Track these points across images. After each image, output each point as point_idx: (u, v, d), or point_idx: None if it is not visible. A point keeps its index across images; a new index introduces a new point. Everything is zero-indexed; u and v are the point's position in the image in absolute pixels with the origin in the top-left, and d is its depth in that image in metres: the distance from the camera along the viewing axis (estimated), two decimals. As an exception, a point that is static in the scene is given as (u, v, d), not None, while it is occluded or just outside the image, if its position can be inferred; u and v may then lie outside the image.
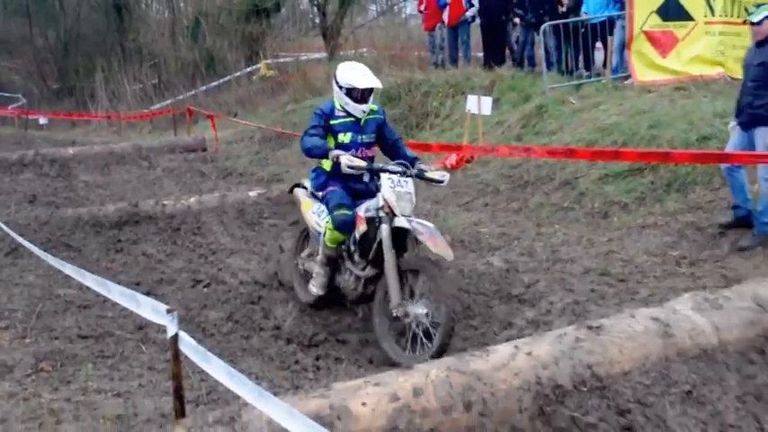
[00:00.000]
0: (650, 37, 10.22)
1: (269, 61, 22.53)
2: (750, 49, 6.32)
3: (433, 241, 4.47)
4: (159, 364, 4.42)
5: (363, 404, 2.98)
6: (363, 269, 4.89)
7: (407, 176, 4.74)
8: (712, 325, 3.66)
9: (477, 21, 13.62)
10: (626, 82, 10.55)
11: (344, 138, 5.04)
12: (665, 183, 7.27)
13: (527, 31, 12.68)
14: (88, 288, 4.29)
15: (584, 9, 11.17)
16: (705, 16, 10.24)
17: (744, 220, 6.10)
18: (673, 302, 3.95)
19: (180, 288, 6.23)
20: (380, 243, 4.66)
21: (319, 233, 5.10)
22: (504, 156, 8.79)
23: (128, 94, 23.09)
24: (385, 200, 4.62)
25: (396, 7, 29.63)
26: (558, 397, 3.23)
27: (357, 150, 5.07)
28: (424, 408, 3.05)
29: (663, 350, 3.51)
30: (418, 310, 4.48)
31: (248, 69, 22.70)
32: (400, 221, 4.58)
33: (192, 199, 8.65)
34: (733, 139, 6.26)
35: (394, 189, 4.63)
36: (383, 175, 4.69)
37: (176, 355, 2.87)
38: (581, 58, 11.40)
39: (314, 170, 5.36)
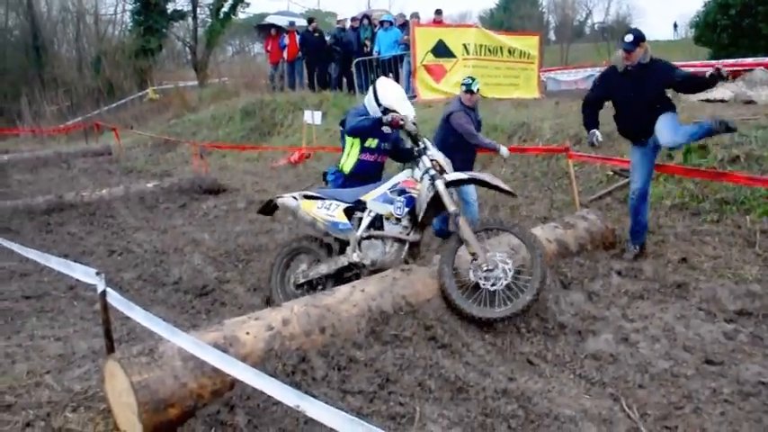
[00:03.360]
0: (428, 69, 13.02)
1: (155, 87, 26.66)
2: None
3: (498, 180, 4.44)
4: (88, 315, 4.96)
5: (247, 333, 3.43)
6: (409, 233, 4.55)
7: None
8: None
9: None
10: (413, 100, 12.71)
11: (371, 142, 4.93)
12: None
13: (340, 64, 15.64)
14: (27, 260, 4.66)
15: (375, 48, 14.21)
16: (462, 55, 13.19)
17: None
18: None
19: (99, 257, 6.84)
20: (429, 203, 4.39)
21: (333, 222, 4.73)
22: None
23: (47, 113, 25.89)
24: (434, 159, 4.44)
25: (246, 48, 38.03)
26: (383, 320, 3.94)
27: (378, 155, 5.04)
28: (291, 333, 3.56)
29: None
30: (505, 260, 4.15)
31: (139, 94, 26.72)
32: (456, 175, 4.44)
33: (104, 190, 9.57)
34: None
35: (437, 152, 4.53)
36: (426, 140, 4.57)
37: (105, 305, 3.16)
38: (381, 82, 14.35)
39: (333, 173, 5.18)
